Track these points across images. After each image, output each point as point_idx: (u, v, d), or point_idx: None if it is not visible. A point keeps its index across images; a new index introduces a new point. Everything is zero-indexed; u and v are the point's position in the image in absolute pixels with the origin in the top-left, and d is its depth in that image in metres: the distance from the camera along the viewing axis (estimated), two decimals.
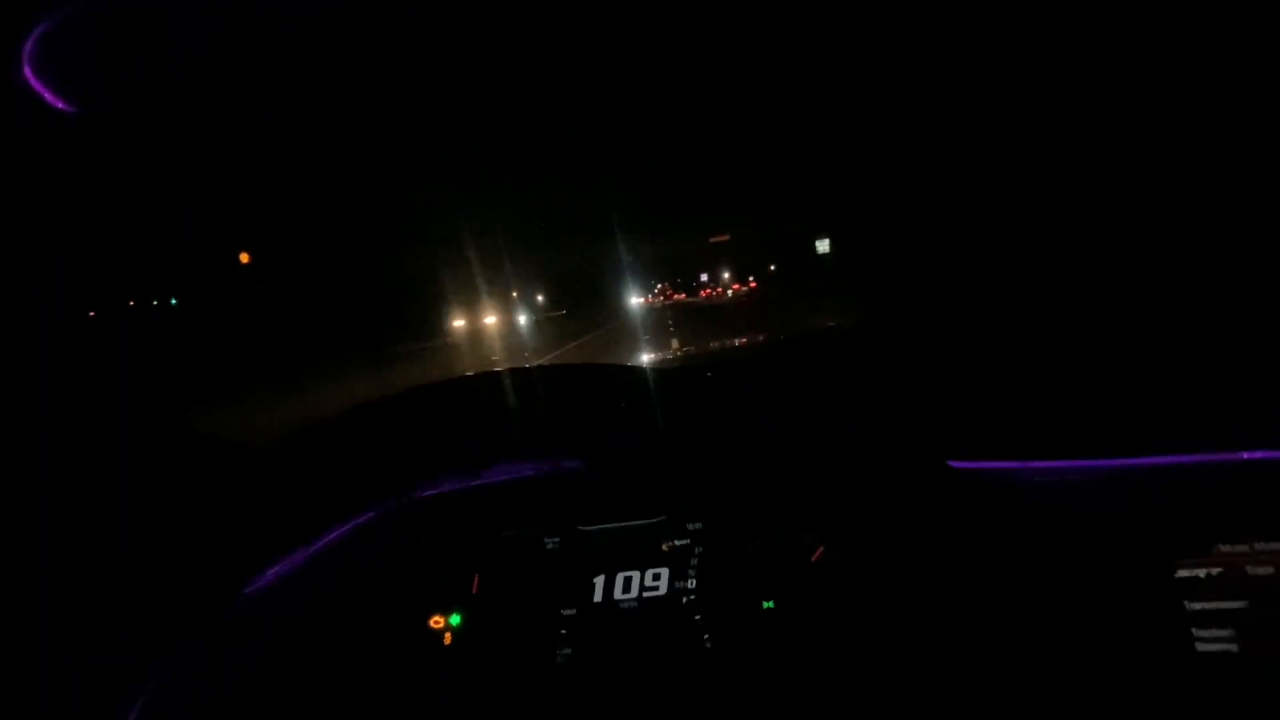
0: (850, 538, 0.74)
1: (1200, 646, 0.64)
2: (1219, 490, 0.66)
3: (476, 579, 0.80)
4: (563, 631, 0.80)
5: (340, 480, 0.73)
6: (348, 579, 0.73)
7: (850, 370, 1.00)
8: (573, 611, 0.81)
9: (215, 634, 0.63)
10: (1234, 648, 0.64)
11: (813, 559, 0.76)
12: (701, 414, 0.87)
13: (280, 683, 0.71)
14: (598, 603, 0.81)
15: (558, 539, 0.83)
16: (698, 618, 0.79)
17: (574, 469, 0.82)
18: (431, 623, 0.78)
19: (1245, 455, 0.64)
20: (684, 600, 0.80)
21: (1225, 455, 0.64)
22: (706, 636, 0.78)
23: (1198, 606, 0.65)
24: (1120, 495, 0.68)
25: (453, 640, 0.78)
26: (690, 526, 0.83)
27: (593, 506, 0.84)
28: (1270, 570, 0.65)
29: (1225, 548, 0.66)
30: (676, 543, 0.82)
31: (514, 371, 0.88)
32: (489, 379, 0.92)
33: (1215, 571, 0.66)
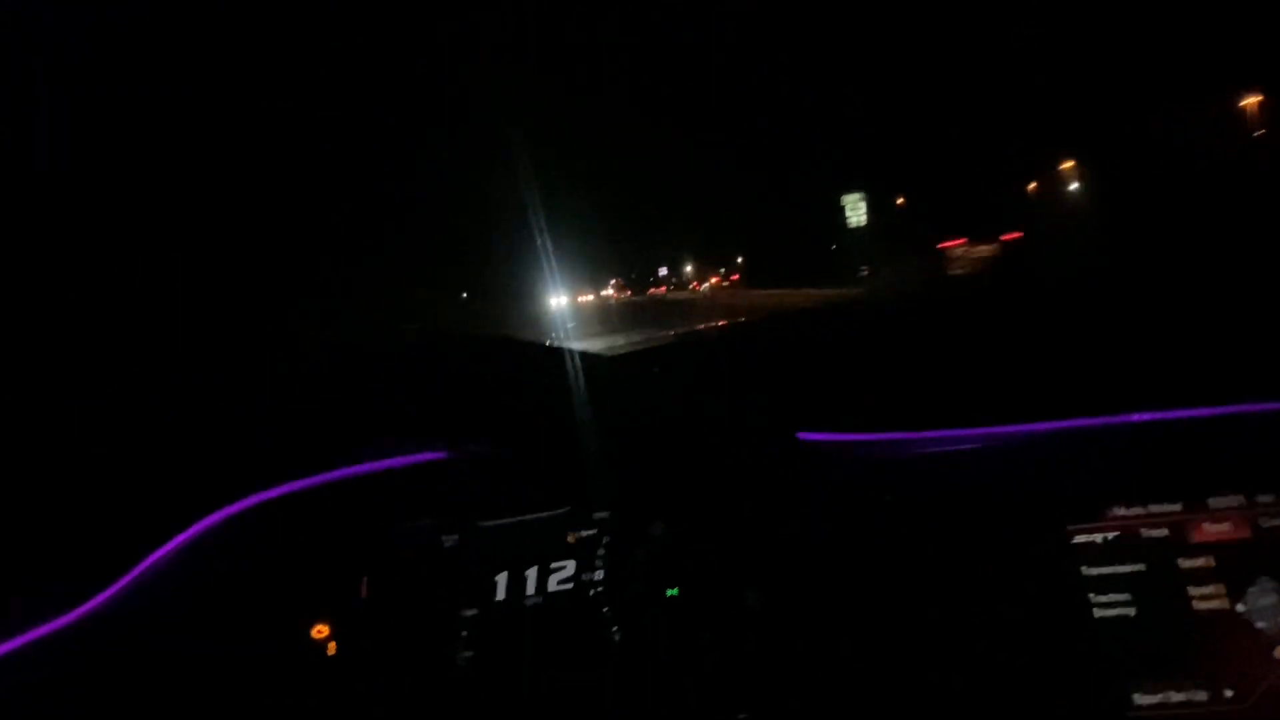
0: (702, 516, 0.71)
1: (1097, 612, 0.63)
2: (1110, 454, 0.65)
3: (365, 582, 0.75)
4: (463, 634, 0.75)
5: (195, 470, 0.65)
6: (210, 586, 0.67)
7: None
8: (474, 612, 0.76)
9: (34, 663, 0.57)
10: (1130, 611, 0.63)
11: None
12: (615, 400, 0.83)
13: (141, 709, 0.65)
14: (501, 601, 0.77)
15: (456, 536, 0.79)
16: (605, 610, 0.75)
17: (477, 452, 0.76)
18: (314, 632, 0.73)
19: (1135, 418, 0.63)
20: (591, 593, 0.76)
21: (1115, 418, 0.64)
22: (615, 629, 0.75)
23: (1094, 572, 0.64)
24: (1013, 463, 0.66)
25: (338, 649, 0.73)
26: (597, 516, 0.79)
27: (494, 499, 0.80)
28: (1164, 532, 0.65)
29: (1119, 511, 0.65)
30: (583, 533, 0.79)
31: (420, 339, 0.81)
32: (387, 347, 0.84)
33: (1110, 536, 0.65)
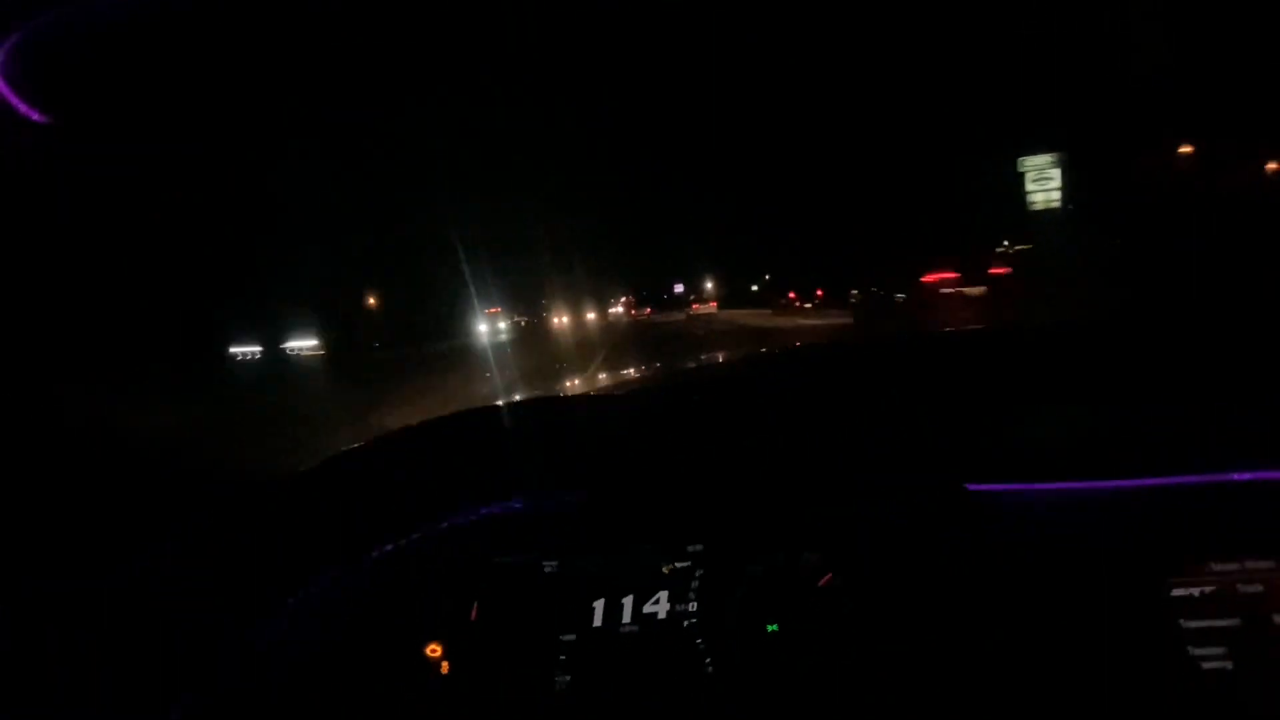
0: (859, 562, 0.74)
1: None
2: (1210, 510, 0.67)
3: (476, 606, 0.78)
4: (562, 657, 0.78)
5: (345, 515, 0.71)
6: (346, 612, 0.71)
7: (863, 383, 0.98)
8: (572, 637, 0.79)
9: (220, 682, 0.61)
10: (1228, 665, 0.65)
11: (820, 584, 0.76)
12: (703, 436, 0.87)
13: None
14: (597, 627, 0.80)
15: (556, 562, 0.82)
16: (699, 641, 0.78)
17: (575, 501, 0.81)
18: (428, 651, 0.76)
19: (1235, 476, 0.66)
20: (685, 624, 0.79)
21: (1216, 476, 0.66)
22: (708, 660, 0.77)
23: (1193, 625, 0.67)
24: (1115, 516, 0.69)
25: (450, 669, 0.76)
26: (690, 548, 0.82)
27: (593, 530, 0.83)
28: (1260, 588, 0.67)
29: (1217, 566, 0.68)
30: (677, 565, 0.82)
31: (508, 406, 0.88)
32: (482, 414, 0.91)
33: (1209, 590, 0.67)
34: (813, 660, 0.73)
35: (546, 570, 0.82)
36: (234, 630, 0.62)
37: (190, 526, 0.72)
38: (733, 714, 0.75)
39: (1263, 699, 0.65)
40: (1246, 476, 0.66)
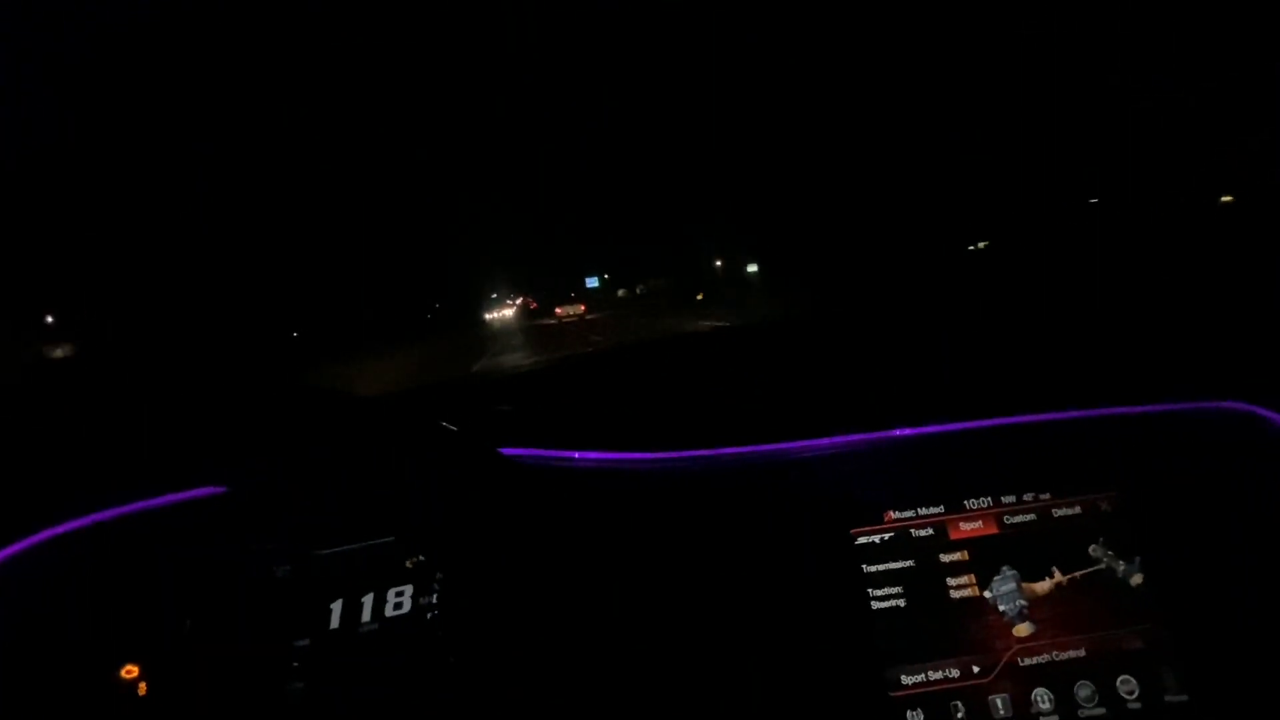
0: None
1: (874, 604, 0.72)
2: (887, 464, 0.75)
3: (189, 619, 0.73)
4: (294, 664, 0.75)
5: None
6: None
7: None
8: (306, 642, 0.76)
9: None
10: (901, 603, 0.73)
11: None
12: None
13: None
14: (335, 629, 0.77)
15: (289, 566, 0.78)
16: (440, 634, 0.77)
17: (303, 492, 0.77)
18: (123, 673, 0.70)
19: (897, 433, 0.73)
20: (427, 616, 0.78)
21: (882, 434, 0.73)
22: (450, 654, 0.76)
23: (872, 569, 0.74)
24: (804, 474, 0.75)
25: (149, 690, 0.70)
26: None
27: (328, 527, 0.80)
28: (929, 532, 0.75)
29: (894, 514, 0.75)
30: (420, 558, 0.80)
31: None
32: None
33: (887, 536, 0.75)
34: (545, 648, 0.74)
35: (279, 575, 0.78)
36: None
37: None
38: (475, 707, 0.74)
39: (928, 629, 0.72)
40: (909, 433, 0.74)
